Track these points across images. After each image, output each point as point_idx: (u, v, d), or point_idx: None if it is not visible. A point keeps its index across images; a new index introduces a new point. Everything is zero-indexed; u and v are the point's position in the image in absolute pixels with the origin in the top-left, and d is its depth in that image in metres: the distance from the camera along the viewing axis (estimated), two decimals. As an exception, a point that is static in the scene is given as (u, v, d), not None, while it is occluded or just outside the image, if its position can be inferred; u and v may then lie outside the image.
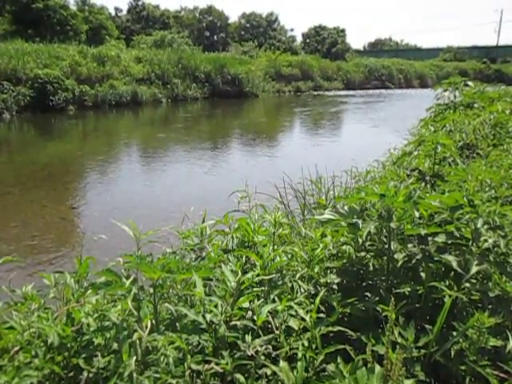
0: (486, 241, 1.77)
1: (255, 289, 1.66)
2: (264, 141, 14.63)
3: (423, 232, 1.82)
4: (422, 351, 1.50)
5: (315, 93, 35.79)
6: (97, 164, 10.67)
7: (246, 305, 1.62)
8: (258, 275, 1.73)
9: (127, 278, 1.71)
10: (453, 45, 66.28)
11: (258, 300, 1.64)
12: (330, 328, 1.53)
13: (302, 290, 1.83)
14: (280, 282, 1.87)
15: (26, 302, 1.69)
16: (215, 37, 54.05)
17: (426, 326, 1.57)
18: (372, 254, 1.97)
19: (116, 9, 53.96)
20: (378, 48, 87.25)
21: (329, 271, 1.95)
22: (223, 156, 11.93)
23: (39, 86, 19.32)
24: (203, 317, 1.52)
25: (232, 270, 1.70)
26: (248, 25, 57.13)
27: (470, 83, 7.90)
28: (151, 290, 1.64)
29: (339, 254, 2.12)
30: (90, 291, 1.67)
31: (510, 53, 71.14)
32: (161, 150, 12.67)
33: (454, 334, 1.54)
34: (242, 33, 56.43)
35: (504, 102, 7.11)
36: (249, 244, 2.20)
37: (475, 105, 7.15)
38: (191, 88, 27.08)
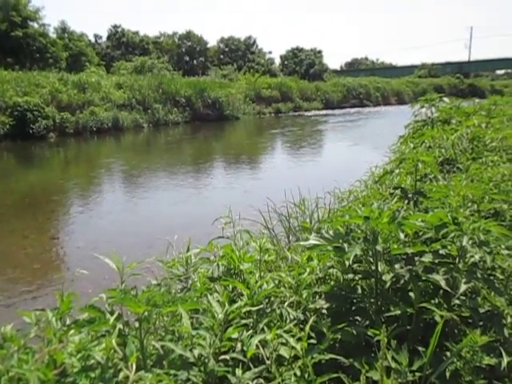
0: (472, 257, 1.78)
1: (243, 320, 1.63)
2: (246, 163, 14.68)
3: (409, 251, 1.82)
4: (417, 374, 1.47)
5: (295, 113, 36.22)
6: (79, 192, 10.53)
7: (234, 335, 1.59)
8: (245, 304, 1.70)
9: (111, 313, 1.66)
10: (427, 62, 68.16)
11: (247, 330, 1.61)
12: (322, 356, 1.50)
13: (292, 317, 1.80)
14: (268, 310, 1.84)
15: (5, 344, 1.62)
16: (195, 61, 54.65)
17: (419, 348, 1.55)
18: (359, 276, 1.95)
19: (96, 36, 54.17)
20: (354, 67, 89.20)
21: (317, 296, 1.92)
22: (206, 180, 11.91)
23: (19, 114, 19.16)
24: (191, 351, 1.47)
25: (219, 301, 1.66)
26: (227, 49, 57.96)
27: (445, 99, 8.08)
28: (137, 324, 1.60)
29: (326, 278, 2.10)
30: (72, 329, 1.61)
31: (482, 67, 73.58)
32: (143, 175, 12.60)
33: (448, 354, 1.52)
34: (221, 56, 57.18)
35: (479, 116, 7.29)
36: (235, 271, 2.17)
37: (452, 120, 7.31)
38: (172, 112, 27.18)
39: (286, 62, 56.12)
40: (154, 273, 2.53)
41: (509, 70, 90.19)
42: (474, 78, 68.49)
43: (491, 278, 1.86)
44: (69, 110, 21.83)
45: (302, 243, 1.89)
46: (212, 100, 29.36)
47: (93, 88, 24.16)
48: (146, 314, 1.58)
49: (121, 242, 6.74)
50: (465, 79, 63.00)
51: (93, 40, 52.45)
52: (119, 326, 1.61)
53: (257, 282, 1.90)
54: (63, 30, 38.37)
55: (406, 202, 3.11)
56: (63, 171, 14.11)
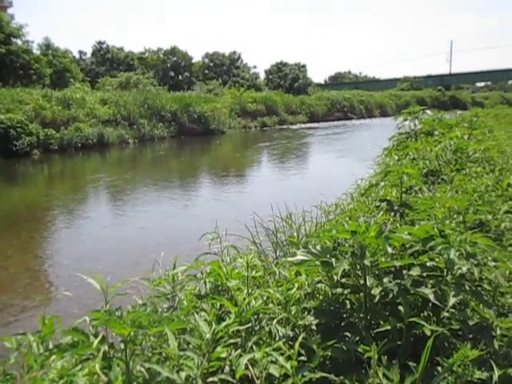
0: (460, 269, 1.78)
1: (231, 340, 1.59)
2: (233, 177, 14.67)
3: (397, 264, 1.81)
4: (408, 391, 1.45)
5: (281, 127, 36.45)
6: (63, 209, 10.39)
7: (223, 355, 1.55)
8: (234, 322, 1.66)
9: (96, 335, 1.62)
10: (409, 75, 69.40)
11: (236, 349, 1.57)
12: (313, 375, 1.47)
13: (281, 334, 1.77)
14: (257, 327, 1.81)
15: (-15, 372, 1.55)
16: (180, 76, 54.79)
17: (410, 363, 1.53)
18: (348, 290, 1.94)
19: (80, 52, 54.03)
20: (338, 81, 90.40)
21: (306, 312, 1.90)
22: (193, 195, 11.86)
23: (1, 130, 18.92)
24: (178, 373, 1.43)
25: (206, 320, 1.63)
26: (211, 64, 58.30)
27: (428, 111, 8.21)
28: (122, 346, 1.55)
29: (315, 293, 2.08)
30: (55, 354, 1.55)
31: (462, 80, 75.24)
32: (129, 191, 12.49)
33: (440, 369, 1.51)
34: (206, 71, 57.48)
35: (462, 128, 7.41)
36: (223, 288, 2.14)
37: (435, 132, 7.41)
38: (158, 127, 27.13)
39: (270, 77, 56.64)
40: (140, 291, 2.48)
41: (488, 83, 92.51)
42: (455, 90, 69.99)
43: (479, 289, 1.86)
44: (53, 126, 21.65)
45: (289, 259, 1.87)
46: (197, 114, 29.42)
47: (77, 104, 24.03)
48: (132, 335, 1.54)
49: (107, 260, 6.64)
50: (446, 92, 64.31)
51: (77, 56, 52.35)
52: (104, 348, 1.56)
53: (245, 298, 1.87)
54: (47, 46, 38.21)
55: (393, 214, 3.12)
56: (47, 188, 13.92)
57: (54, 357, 1.54)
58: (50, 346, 1.67)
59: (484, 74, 72.21)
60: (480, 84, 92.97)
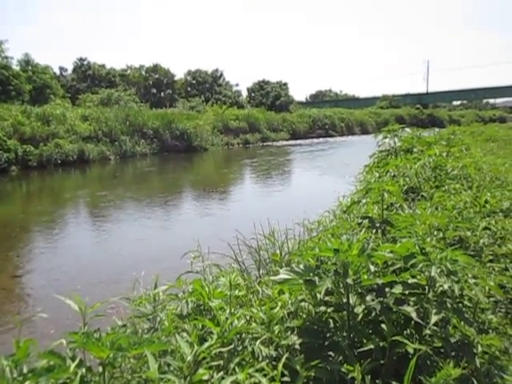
0: (441, 286, 1.79)
1: (214, 362, 1.56)
2: (215, 194, 14.63)
3: (380, 282, 1.82)
4: (392, 411, 1.44)
5: (263, 144, 36.69)
6: (41, 227, 10.17)
7: (205, 377, 1.52)
8: (216, 343, 1.64)
9: (73, 358, 1.57)
10: (387, 93, 70.88)
11: (218, 371, 1.54)
12: (296, 397, 1.45)
13: (264, 355, 1.74)
14: (240, 348, 1.78)
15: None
16: (162, 93, 54.90)
17: (394, 382, 1.53)
18: (331, 308, 1.93)
19: (61, 68, 53.73)
20: (319, 99, 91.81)
21: (289, 331, 1.88)
22: (174, 212, 11.77)
23: (-22, 147, 18.59)
24: (158, 397, 1.39)
25: (188, 341, 1.60)
26: (194, 81, 58.60)
27: (407, 129, 8.36)
28: (101, 369, 1.51)
29: (298, 311, 2.07)
30: (29, 379, 1.50)
31: (439, 99, 77.24)
32: (109, 208, 12.32)
33: (422, 388, 1.50)
34: (189, 89, 57.70)
35: (440, 146, 7.56)
36: (205, 308, 2.11)
37: (414, 149, 7.54)
38: (140, 144, 27.02)
39: (252, 94, 57.16)
40: (120, 312, 2.43)
41: (464, 101, 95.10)
42: (433, 108, 71.73)
43: (460, 306, 1.87)
44: (32, 142, 21.35)
45: (272, 278, 1.86)
46: (180, 131, 29.42)
47: (57, 120, 23.79)
48: (111, 357, 1.50)
49: (86, 279, 6.50)
50: (424, 110, 65.85)
51: (58, 72, 52.05)
52: (81, 372, 1.51)
53: (227, 318, 1.84)
54: (27, 62, 37.92)
55: (374, 231, 3.15)
56: (24, 206, 13.64)
57: (28, 382, 1.48)
58: (25, 371, 1.61)
59: (460, 93, 74.34)
60: (456, 102, 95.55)
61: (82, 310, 1.66)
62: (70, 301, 1.66)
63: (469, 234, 3.03)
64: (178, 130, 29.32)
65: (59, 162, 21.56)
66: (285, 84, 57.32)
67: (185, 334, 1.74)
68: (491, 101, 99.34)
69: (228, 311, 1.95)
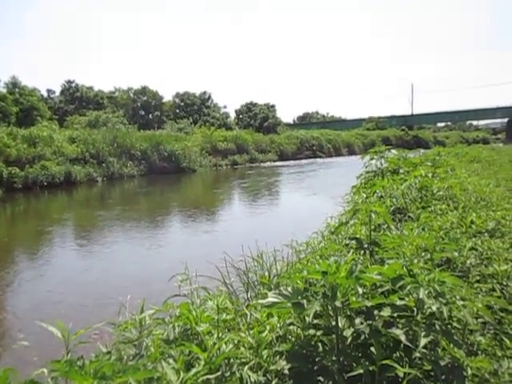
0: (429, 308, 1.79)
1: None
2: (203, 216, 14.57)
3: (368, 304, 1.81)
4: None
5: (251, 165, 36.85)
6: (25, 251, 9.99)
7: (191, 405, 1.48)
8: (203, 369, 1.60)
9: (55, 388, 1.52)
10: (373, 115, 72.06)
11: (205, 399, 1.51)
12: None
13: (252, 381, 1.71)
14: (228, 374, 1.74)
15: None
16: (150, 115, 55.09)
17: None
18: (320, 332, 1.91)
19: (48, 90, 53.72)
20: (306, 121, 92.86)
21: (278, 356, 1.85)
22: (162, 235, 11.67)
23: (-38, 170, 18.35)
24: (143, 427, 1.35)
25: (174, 368, 1.56)
26: (182, 103, 58.99)
27: (393, 151, 8.48)
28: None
29: (287, 335, 2.04)
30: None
31: (424, 120, 78.76)
32: (95, 231, 12.18)
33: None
34: (177, 111, 58.03)
35: (425, 167, 7.67)
36: (192, 332, 2.07)
37: (401, 170, 7.64)
38: (127, 166, 26.94)
39: (240, 116, 57.70)
40: (105, 338, 2.37)
41: (448, 123, 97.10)
42: (418, 130, 72.98)
43: (449, 328, 1.86)
44: (18, 164, 21.17)
45: (260, 302, 1.84)
46: (168, 153, 29.45)
47: (44, 142, 23.68)
48: (95, 386, 1.45)
49: (71, 303, 6.36)
50: (409, 131, 66.95)
51: (46, 95, 52.03)
52: (63, 402, 1.46)
53: (215, 343, 1.81)
54: (14, 84, 37.92)
55: (362, 252, 3.15)
56: (8, 228, 13.41)
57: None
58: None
59: (444, 114, 75.93)
60: (440, 124, 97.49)
61: (65, 336, 1.62)
62: (52, 328, 1.62)
63: (456, 254, 3.05)
64: (166, 151, 29.35)
65: (45, 183, 21.36)
66: (272, 106, 58.02)
67: (171, 361, 1.70)
68: (474, 122, 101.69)
69: (216, 336, 1.91)
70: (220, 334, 1.94)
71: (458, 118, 78.68)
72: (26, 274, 8.10)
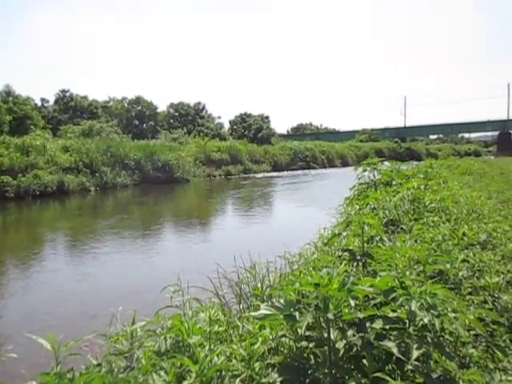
0: (421, 320, 1.79)
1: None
2: (196, 226, 14.53)
3: (361, 316, 1.81)
4: None
5: (245, 176, 36.89)
6: (16, 260, 9.89)
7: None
8: (194, 382, 1.59)
9: (43, 401, 1.50)
10: (367, 127, 72.66)
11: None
12: None
13: (244, 393, 1.70)
14: (219, 387, 1.73)
15: None
16: (144, 125, 55.13)
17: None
18: (313, 344, 1.90)
19: (42, 99, 53.62)
20: (300, 132, 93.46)
21: (270, 368, 1.84)
22: (154, 245, 11.61)
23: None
24: None
25: (165, 380, 1.55)
26: (176, 113, 59.14)
27: (386, 163, 8.54)
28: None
29: (279, 347, 2.03)
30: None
31: (417, 133, 79.56)
32: (87, 241, 12.09)
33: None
34: (171, 121, 58.13)
35: (418, 179, 7.72)
36: (184, 344, 2.05)
37: (393, 182, 7.68)
38: (121, 175, 26.85)
39: (234, 127, 57.85)
40: (95, 350, 2.35)
41: (440, 135, 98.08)
42: (411, 142, 73.69)
43: (441, 340, 1.87)
44: (10, 173, 21.03)
45: (252, 314, 1.83)
46: (162, 163, 29.42)
47: (37, 151, 23.59)
48: (84, 399, 1.43)
49: (62, 314, 6.29)
50: (402, 143, 67.53)
51: (39, 104, 51.94)
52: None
53: (207, 355, 1.80)
54: (7, 93, 37.88)
55: (355, 264, 3.15)
56: None
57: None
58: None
59: (436, 127, 76.77)
60: (433, 136, 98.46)
61: (54, 348, 1.61)
62: (42, 339, 1.60)
63: (448, 266, 3.06)
64: (159, 161, 29.33)
65: (37, 192, 21.23)
66: (267, 117, 58.28)
67: (162, 373, 1.69)
68: (466, 135, 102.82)
69: (207, 348, 1.91)
70: (212, 346, 1.93)
71: (450, 130, 79.59)
72: (16, 285, 8.02)
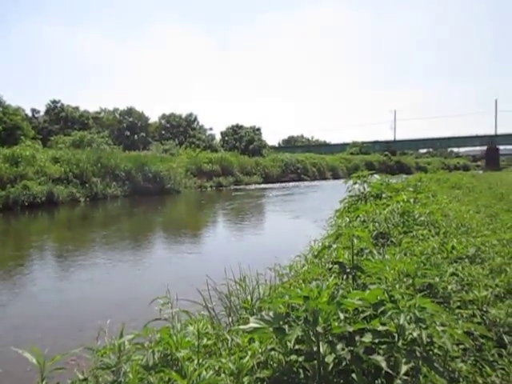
0: (410, 334, 1.79)
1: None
2: (186, 238, 14.46)
3: (350, 329, 1.81)
4: None
5: (236, 187, 36.90)
6: (1, 272, 9.73)
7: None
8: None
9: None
10: (357, 140, 73.33)
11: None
12: None
13: (232, 408, 1.68)
14: (207, 401, 1.71)
15: None
16: (136, 136, 55.05)
17: None
18: (302, 357, 1.89)
19: (33, 110, 53.42)
20: (291, 144, 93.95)
21: (259, 383, 1.83)
22: (144, 256, 11.52)
23: None
24: None
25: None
26: (168, 125, 59.20)
27: (376, 176, 8.61)
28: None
29: (269, 361, 2.02)
30: None
31: (406, 146, 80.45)
32: (75, 252, 11.96)
33: None
34: (163, 132, 58.17)
35: (407, 192, 7.79)
36: (172, 358, 2.03)
37: (383, 195, 7.74)
38: (111, 186, 26.71)
39: (226, 138, 58.04)
40: (82, 364, 2.31)
41: (430, 149, 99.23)
42: (400, 155, 74.44)
43: (431, 354, 1.87)
44: (-2, 184, 20.84)
45: (241, 327, 1.82)
46: (153, 174, 29.34)
47: (27, 162, 23.41)
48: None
49: (48, 327, 6.19)
50: (392, 157, 68.20)
51: (30, 114, 51.71)
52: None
53: (195, 369, 1.78)
54: (-3, 104, 37.72)
55: (345, 276, 3.16)
56: (-13, 249, 13.08)
57: None
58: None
59: (426, 141, 77.78)
60: (422, 150, 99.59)
61: (40, 363, 1.58)
62: (27, 353, 1.58)
63: (437, 280, 3.07)
64: (150, 172, 29.24)
65: (26, 203, 21.01)
66: (258, 129, 58.59)
67: (150, 388, 1.67)
68: (455, 149, 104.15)
69: (196, 362, 1.89)
70: (200, 360, 1.91)
71: (439, 144, 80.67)
72: (1, 298, 7.88)
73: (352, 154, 66.38)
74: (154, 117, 59.68)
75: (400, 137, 80.00)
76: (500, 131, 73.22)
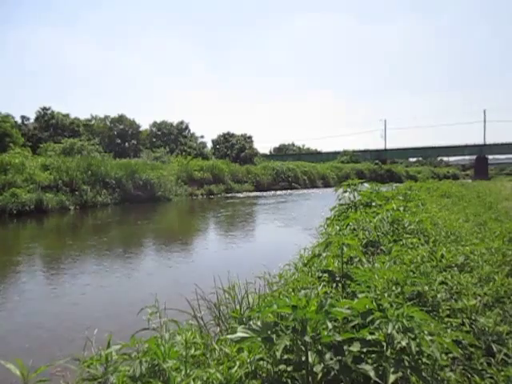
0: (399, 343, 1.79)
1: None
2: (176, 246, 14.38)
3: (339, 338, 1.80)
4: None
5: (227, 195, 36.86)
6: (-10, 280, 9.58)
7: None
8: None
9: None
10: (348, 149, 73.77)
11: None
12: None
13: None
14: (195, 413, 1.69)
15: None
16: (127, 144, 54.87)
17: None
18: (291, 367, 1.88)
19: (23, 117, 52.97)
20: (282, 152, 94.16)
21: (247, 393, 1.81)
22: (133, 265, 11.42)
23: None
24: None
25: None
26: (159, 132, 59.13)
27: (366, 184, 8.65)
28: None
29: (257, 371, 2.00)
30: None
31: (397, 155, 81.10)
32: (63, 261, 11.83)
33: None
34: (154, 140, 58.07)
35: (397, 200, 7.83)
36: (160, 368, 2.01)
37: (373, 203, 7.77)
38: (101, 194, 26.53)
39: (217, 146, 58.06)
40: (67, 375, 2.27)
41: (420, 158, 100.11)
42: (391, 164, 75.03)
43: (419, 363, 1.86)
44: (-14, 191, 20.61)
45: (229, 337, 1.81)
46: (143, 181, 29.22)
47: (16, 169, 23.20)
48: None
49: (35, 337, 6.09)
50: (383, 165, 68.68)
51: (19, 121, 51.29)
52: None
53: (182, 380, 1.76)
54: (-13, 110, 37.38)
55: (334, 285, 3.15)
56: (-26, 257, 12.87)
57: None
58: None
59: (416, 150, 78.49)
60: (413, 159, 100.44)
61: (24, 374, 1.55)
62: (10, 365, 1.54)
63: (426, 288, 3.08)
64: (141, 180, 29.13)
65: (15, 211, 20.79)
66: (249, 137, 58.71)
67: (136, 399, 1.64)
68: (445, 158, 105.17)
69: (184, 372, 1.87)
70: (188, 371, 1.89)
71: (429, 153, 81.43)
72: (-12, 306, 7.75)
73: (343, 162, 66.72)
74: (145, 124, 59.70)
75: (390, 146, 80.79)
76: (489, 141, 74.28)
